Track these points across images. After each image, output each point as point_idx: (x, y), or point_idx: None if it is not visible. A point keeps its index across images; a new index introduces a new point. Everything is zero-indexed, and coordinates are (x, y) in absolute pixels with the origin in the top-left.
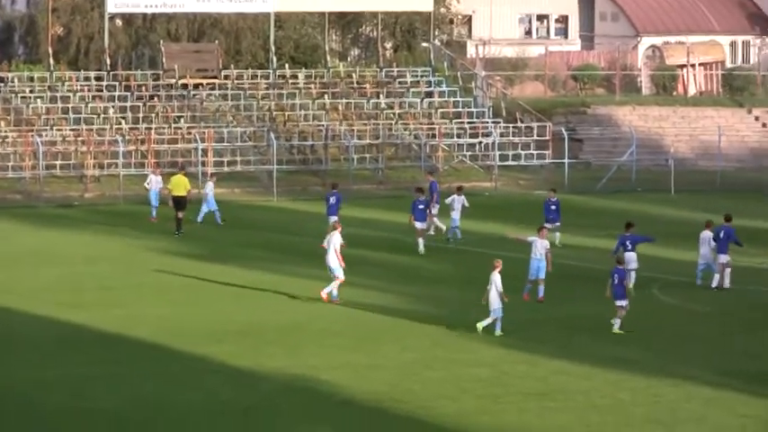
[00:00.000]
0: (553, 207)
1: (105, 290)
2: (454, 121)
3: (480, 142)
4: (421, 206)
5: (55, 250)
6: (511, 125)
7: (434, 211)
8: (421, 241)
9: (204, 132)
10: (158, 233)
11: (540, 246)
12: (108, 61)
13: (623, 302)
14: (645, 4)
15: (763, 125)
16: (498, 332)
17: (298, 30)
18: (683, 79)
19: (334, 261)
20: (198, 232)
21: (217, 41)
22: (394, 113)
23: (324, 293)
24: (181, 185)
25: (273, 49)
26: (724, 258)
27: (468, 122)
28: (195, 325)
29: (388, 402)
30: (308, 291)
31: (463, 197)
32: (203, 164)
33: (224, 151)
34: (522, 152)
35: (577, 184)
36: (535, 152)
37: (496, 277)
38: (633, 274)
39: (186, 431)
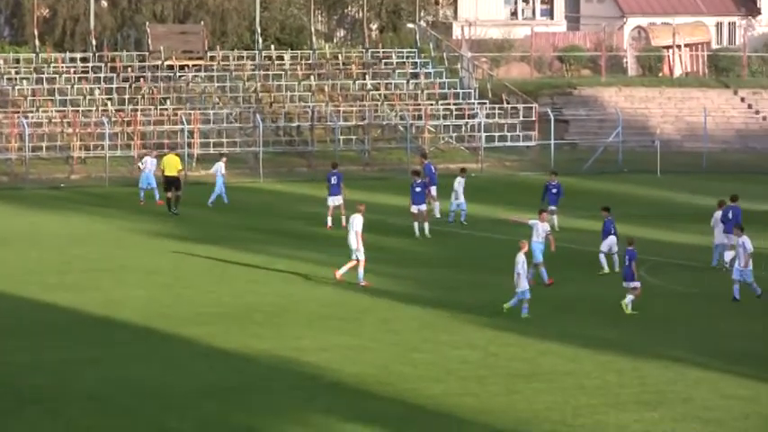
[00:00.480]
0: (554, 191)
1: (92, 272)
2: (440, 102)
3: (466, 123)
4: (418, 188)
5: (41, 232)
6: (497, 106)
7: (434, 192)
8: (417, 225)
9: (190, 114)
10: (145, 215)
11: (541, 229)
12: (94, 43)
13: (631, 284)
14: None
15: (749, 106)
16: (525, 314)
17: (283, 11)
18: (669, 60)
19: (355, 243)
20: (185, 214)
21: (202, 23)
22: (380, 95)
23: (339, 274)
24: (172, 165)
25: (259, 30)
26: (733, 239)
27: (455, 104)
28: (182, 307)
29: (374, 385)
30: (297, 272)
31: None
32: (189, 145)
33: (210, 133)
34: (508, 133)
35: (563, 166)
36: (521, 133)
37: (520, 258)
38: (616, 258)
39: (172, 414)
